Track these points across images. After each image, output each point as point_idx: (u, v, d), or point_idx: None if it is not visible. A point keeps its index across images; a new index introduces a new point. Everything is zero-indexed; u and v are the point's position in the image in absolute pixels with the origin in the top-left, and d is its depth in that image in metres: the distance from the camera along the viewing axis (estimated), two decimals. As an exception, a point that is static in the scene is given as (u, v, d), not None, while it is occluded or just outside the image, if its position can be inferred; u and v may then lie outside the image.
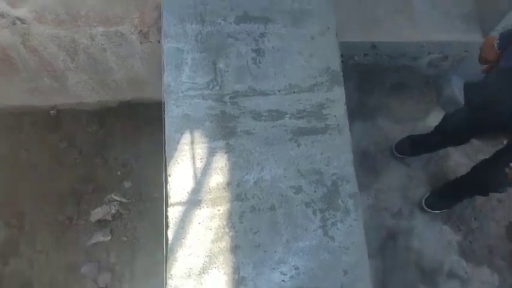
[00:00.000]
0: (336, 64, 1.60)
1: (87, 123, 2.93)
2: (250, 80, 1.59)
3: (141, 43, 2.23)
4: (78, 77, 2.52)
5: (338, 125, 1.54)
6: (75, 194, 2.78)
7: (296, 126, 1.54)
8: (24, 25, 2.03)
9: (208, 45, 1.61)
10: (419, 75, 3.09)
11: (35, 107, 2.87)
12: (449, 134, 2.54)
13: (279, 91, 1.58)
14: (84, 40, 2.17)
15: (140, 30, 2.13)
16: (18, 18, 1.98)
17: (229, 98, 1.56)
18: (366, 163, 2.91)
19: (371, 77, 3.06)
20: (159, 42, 2.23)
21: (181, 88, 1.56)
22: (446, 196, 2.71)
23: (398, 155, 2.86)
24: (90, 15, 1.99)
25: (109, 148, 2.89)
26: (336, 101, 1.57)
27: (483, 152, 2.93)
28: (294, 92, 1.58)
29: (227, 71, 1.59)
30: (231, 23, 1.64)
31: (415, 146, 2.80)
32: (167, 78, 1.55)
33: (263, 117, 1.55)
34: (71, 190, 2.79)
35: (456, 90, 3.18)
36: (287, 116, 1.56)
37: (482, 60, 2.10)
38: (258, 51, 1.62)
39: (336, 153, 1.52)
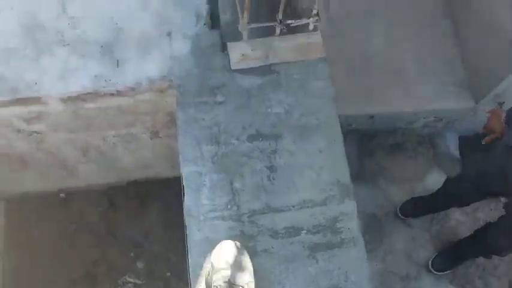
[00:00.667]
0: (345, 176, 1.69)
1: (97, 204, 2.99)
2: (265, 198, 1.67)
3: (151, 139, 2.32)
4: (88, 167, 2.60)
5: (353, 238, 1.63)
6: (89, 276, 2.83)
7: (313, 242, 1.63)
8: (40, 135, 2.10)
9: (224, 165, 1.70)
10: (415, 136, 3.20)
11: (44, 192, 2.92)
12: (452, 198, 2.65)
13: (293, 207, 1.67)
14: (96, 141, 2.25)
15: (151, 131, 2.22)
16: (35, 131, 2.05)
17: (247, 217, 1.65)
18: (371, 226, 3.00)
19: (369, 140, 3.17)
20: (168, 137, 2.31)
21: (202, 211, 1.64)
22: (451, 259, 2.80)
23: (403, 217, 2.95)
24: (102, 124, 2.07)
25: (119, 227, 2.96)
26: (348, 214, 1.66)
27: (481, 209, 3.03)
28: (307, 206, 1.67)
29: (243, 190, 1.68)
30: (244, 141, 1.74)
31: (418, 207, 2.89)
32: (188, 202, 1.64)
33: (280, 235, 1.64)
34: (85, 272, 2.84)
35: (451, 146, 3.30)
36: (303, 231, 1.64)
37: (487, 130, 2.18)
38: (271, 168, 1.71)
39: (353, 267, 1.60)
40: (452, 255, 2.82)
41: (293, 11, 1.82)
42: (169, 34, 1.86)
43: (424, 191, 2.99)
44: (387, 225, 3.03)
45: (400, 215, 2.96)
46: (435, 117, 2.99)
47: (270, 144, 1.74)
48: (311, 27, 1.85)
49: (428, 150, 3.24)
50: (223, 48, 1.87)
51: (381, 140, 3.19)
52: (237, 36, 1.86)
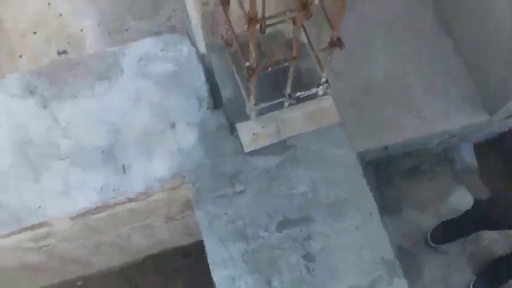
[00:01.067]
0: (388, 252, 1.57)
1: (115, 286, 2.84)
2: (308, 292, 1.54)
3: (166, 223, 2.18)
4: (103, 257, 2.45)
5: (409, 322, 1.50)
6: None
7: (368, 333, 1.50)
8: (50, 247, 1.96)
9: (257, 264, 1.57)
10: (430, 156, 3.09)
11: (60, 282, 2.77)
12: (481, 222, 2.53)
13: (341, 297, 1.54)
14: (109, 238, 2.11)
15: (166, 217, 2.08)
16: (44, 245, 1.91)
17: (293, 319, 1.51)
18: (404, 258, 2.85)
19: (384, 167, 3.05)
20: (184, 218, 2.18)
21: (243, 321, 1.50)
22: (492, 281, 2.69)
23: (434, 245, 2.83)
24: (114, 226, 1.93)
25: (144, 307, 2.82)
26: (399, 294, 1.53)
27: (513, 222, 2.91)
28: (355, 294, 1.54)
29: (283, 288, 1.55)
30: (273, 232, 1.61)
31: (449, 232, 2.78)
32: (227, 315, 1.50)
33: (332, 332, 1.50)
34: None
35: (466, 156, 3.19)
36: (355, 323, 1.51)
37: None
38: (308, 257, 1.58)
39: None
40: (492, 277, 2.70)
41: (299, 81, 1.70)
42: (172, 126, 1.72)
43: (450, 212, 2.87)
44: (419, 255, 2.91)
45: (431, 243, 2.84)
46: (448, 135, 2.88)
47: (301, 230, 1.61)
48: (321, 93, 1.72)
49: (446, 168, 3.12)
50: (232, 130, 1.74)
51: (397, 166, 3.07)
52: (242, 113, 1.73)
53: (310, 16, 1.14)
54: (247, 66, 1.37)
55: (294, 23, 1.27)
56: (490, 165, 3.25)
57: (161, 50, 1.82)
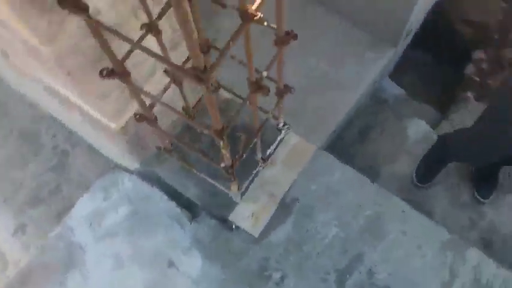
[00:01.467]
0: (442, 233, 1.52)
1: None
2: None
3: None
4: None
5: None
6: None
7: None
8: None
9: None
10: (365, 110, 3.12)
11: None
12: (451, 155, 2.61)
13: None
14: None
15: None
16: None
17: None
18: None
19: (340, 145, 3.02)
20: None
21: None
22: (490, 180, 2.79)
23: (424, 185, 2.86)
24: None
25: None
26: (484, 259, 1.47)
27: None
28: (447, 292, 1.45)
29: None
30: (338, 293, 1.47)
31: (429, 168, 2.82)
32: None
33: None
34: None
35: (394, 90, 3.29)
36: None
37: None
38: (384, 291, 1.46)
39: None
40: (485, 177, 2.80)
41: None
42: (170, 264, 1.51)
43: (418, 146, 2.93)
44: (419, 199, 2.92)
45: (419, 184, 2.86)
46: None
47: (360, 272, 1.49)
48: (284, 135, 1.60)
49: (385, 112, 3.18)
50: (229, 226, 1.56)
51: (348, 138, 3.07)
52: (225, 201, 1.57)
53: (268, 92, 1.00)
54: (224, 167, 1.20)
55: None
56: (413, 83, 3.39)
57: (104, 200, 1.58)
